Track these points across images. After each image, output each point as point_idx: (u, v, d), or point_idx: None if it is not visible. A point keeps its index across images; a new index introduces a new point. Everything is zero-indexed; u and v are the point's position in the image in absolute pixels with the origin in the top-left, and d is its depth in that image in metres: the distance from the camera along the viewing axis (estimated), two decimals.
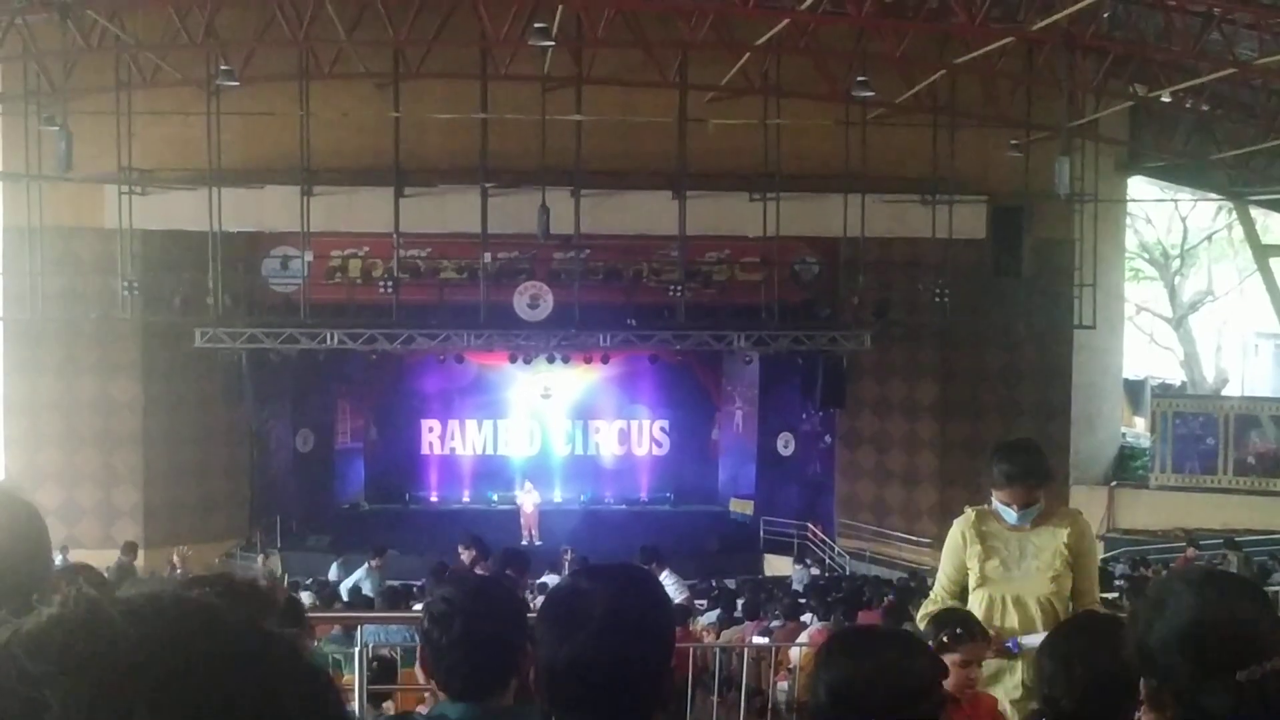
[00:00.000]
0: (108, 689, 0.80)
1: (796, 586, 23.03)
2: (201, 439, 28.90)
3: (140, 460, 28.55)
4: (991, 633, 5.75)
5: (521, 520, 30.85)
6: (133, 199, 27.01)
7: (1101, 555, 27.02)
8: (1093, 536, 6.22)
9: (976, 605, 6.06)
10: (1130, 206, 36.08)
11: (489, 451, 34.66)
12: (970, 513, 6.23)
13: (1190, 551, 22.76)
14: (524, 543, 29.19)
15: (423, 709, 4.21)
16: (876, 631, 4.20)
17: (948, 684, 4.06)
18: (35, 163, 26.03)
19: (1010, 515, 6.00)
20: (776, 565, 29.15)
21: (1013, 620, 6.01)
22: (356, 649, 8.42)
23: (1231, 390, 41.59)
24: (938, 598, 6.29)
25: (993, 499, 6.10)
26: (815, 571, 26.49)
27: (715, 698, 12.42)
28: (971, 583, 6.15)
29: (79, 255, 27.54)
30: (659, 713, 2.55)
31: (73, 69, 25.43)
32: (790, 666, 12.38)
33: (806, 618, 16.20)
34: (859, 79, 25.00)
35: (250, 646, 0.88)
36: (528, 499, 31.37)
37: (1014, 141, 27.51)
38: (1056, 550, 5.97)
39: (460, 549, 13.71)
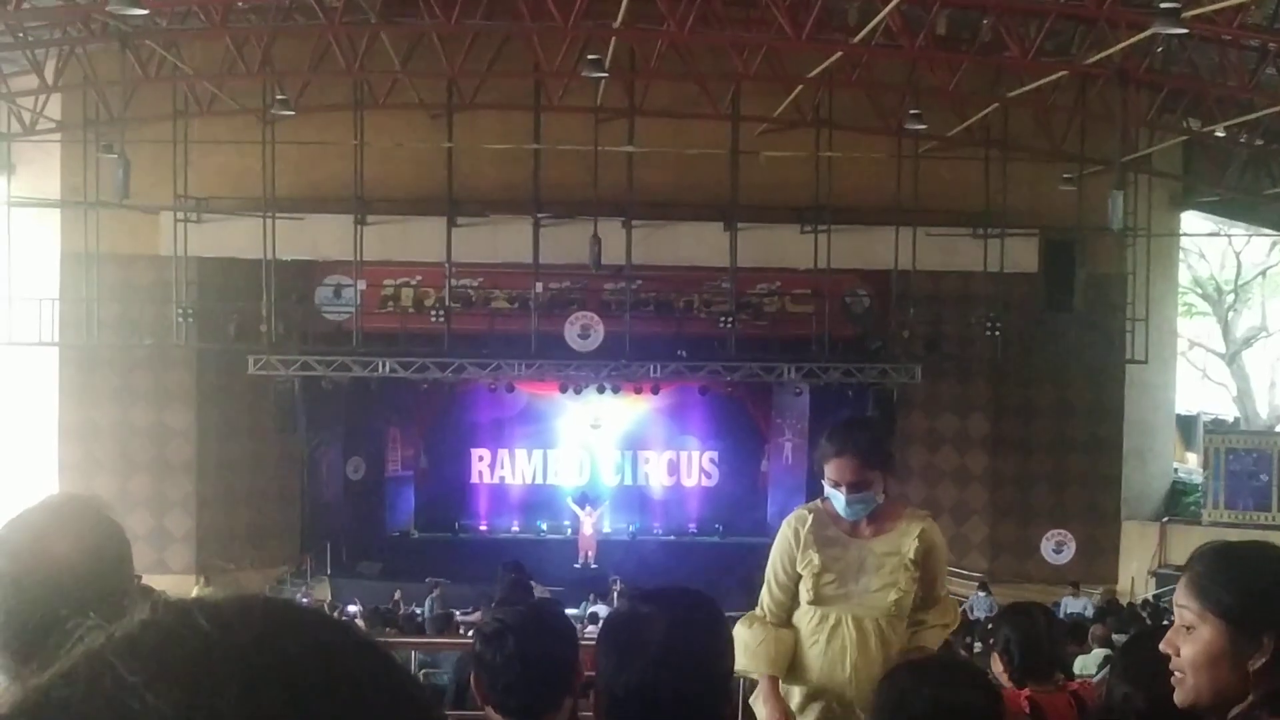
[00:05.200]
0: (196, 697, 0.80)
1: (979, 615, 22.20)
2: (254, 466, 29.02)
3: (193, 487, 28.68)
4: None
5: (580, 542, 31.11)
6: (188, 227, 27.21)
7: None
8: (943, 542, 5.38)
9: (807, 623, 5.33)
10: (1183, 241, 35.84)
11: (538, 481, 34.61)
12: (804, 512, 5.41)
13: None
14: (578, 564, 29.37)
15: None
16: (936, 662, 4.17)
17: None
18: (93, 190, 26.31)
19: (839, 500, 5.15)
20: None
21: (849, 643, 5.23)
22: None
23: None
24: (764, 608, 5.46)
25: (825, 488, 5.25)
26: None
27: None
28: (803, 596, 5.32)
29: (135, 282, 27.72)
30: None
31: (131, 98, 25.63)
32: None
33: None
34: (911, 112, 25.10)
35: (342, 654, 0.89)
36: (587, 521, 31.48)
37: (1067, 175, 27.41)
38: (901, 561, 5.19)
39: None
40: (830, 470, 5.12)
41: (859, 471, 5.07)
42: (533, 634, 3.34)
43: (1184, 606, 2.84)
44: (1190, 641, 2.79)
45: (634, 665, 2.53)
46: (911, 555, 5.16)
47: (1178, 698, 2.84)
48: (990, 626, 17.08)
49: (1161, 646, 2.90)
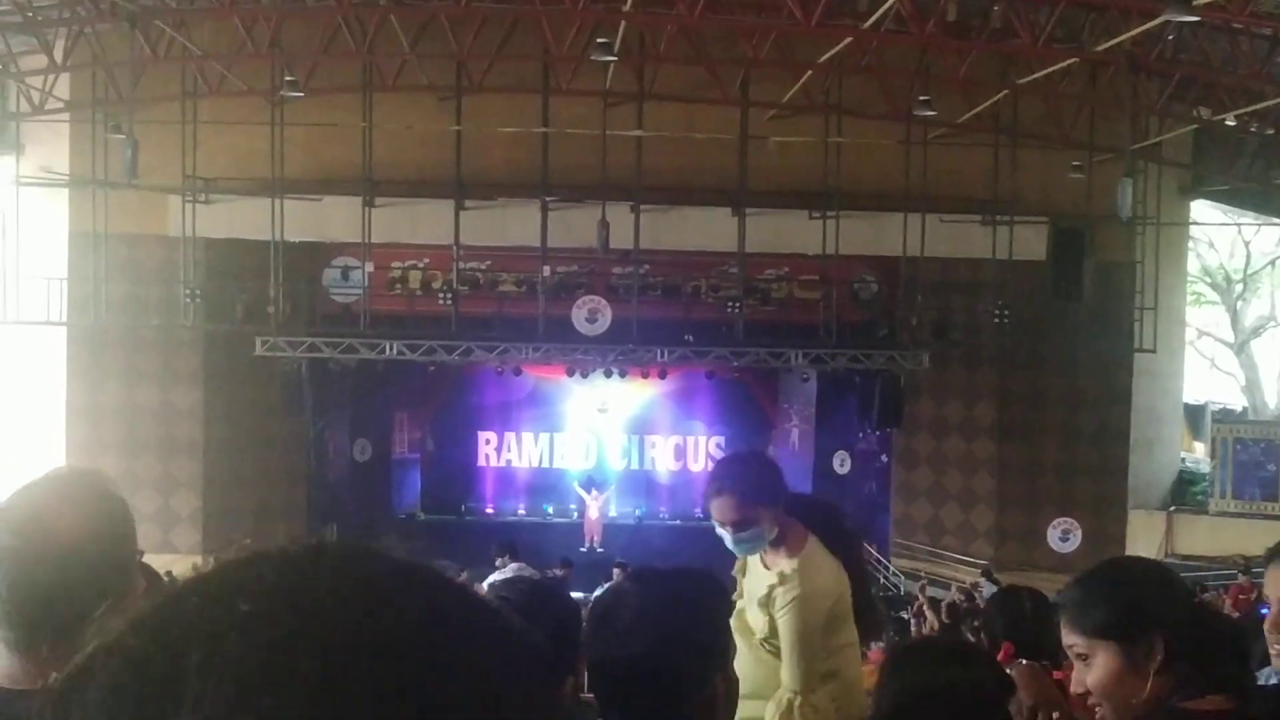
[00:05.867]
0: (248, 695, 0.75)
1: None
2: (261, 447, 29.03)
3: (200, 467, 28.72)
4: None
5: (586, 526, 31.30)
6: (196, 208, 27.25)
7: None
8: (799, 603, 4.81)
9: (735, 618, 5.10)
10: (1193, 230, 35.82)
11: (545, 464, 34.62)
12: None
13: (1242, 579, 22.10)
14: (584, 548, 29.41)
15: None
16: (942, 644, 4.16)
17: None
18: (101, 170, 26.34)
19: (727, 539, 4.90)
20: None
21: (743, 661, 4.64)
22: None
23: None
24: None
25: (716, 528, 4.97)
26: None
27: None
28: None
29: (142, 263, 27.76)
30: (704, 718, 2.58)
31: (140, 78, 25.65)
32: None
33: None
34: (921, 98, 25.02)
35: (421, 597, 0.84)
36: (593, 505, 31.66)
37: (1076, 163, 27.32)
38: (766, 601, 4.92)
39: None
40: (714, 511, 4.90)
41: (741, 509, 4.83)
42: (535, 613, 3.34)
43: (1072, 645, 2.93)
44: (1092, 672, 2.87)
45: (602, 636, 2.58)
46: (764, 592, 4.92)
47: None
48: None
49: (1072, 690, 2.98)
